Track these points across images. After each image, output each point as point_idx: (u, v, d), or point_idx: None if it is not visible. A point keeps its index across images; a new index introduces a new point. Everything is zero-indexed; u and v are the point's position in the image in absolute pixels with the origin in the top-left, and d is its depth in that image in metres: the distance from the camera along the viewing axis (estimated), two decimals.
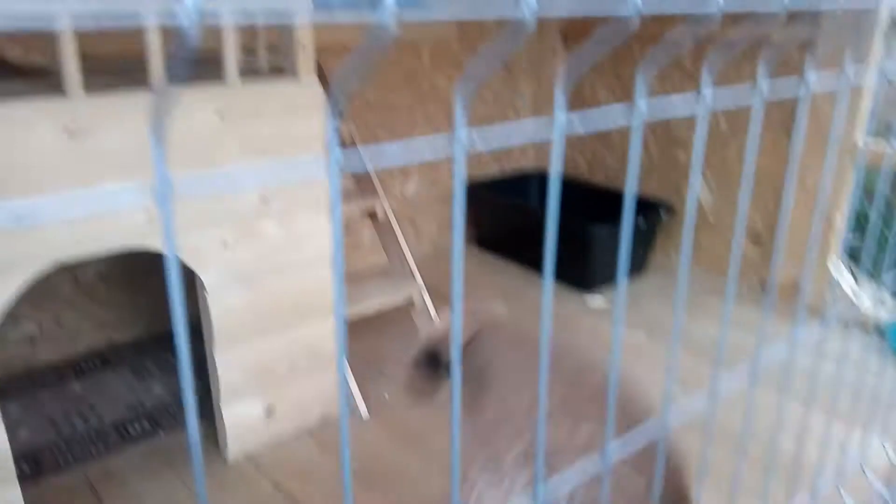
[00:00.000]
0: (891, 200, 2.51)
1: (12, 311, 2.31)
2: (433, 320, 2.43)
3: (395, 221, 2.39)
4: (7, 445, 1.55)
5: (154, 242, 1.64)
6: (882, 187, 1.14)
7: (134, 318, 2.61)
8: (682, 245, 0.67)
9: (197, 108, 1.64)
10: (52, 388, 2.27)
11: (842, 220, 2.69)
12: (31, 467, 1.89)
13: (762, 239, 2.94)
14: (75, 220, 1.51)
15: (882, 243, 2.06)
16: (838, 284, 2.72)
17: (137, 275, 2.60)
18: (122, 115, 1.53)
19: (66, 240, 1.52)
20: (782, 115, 2.74)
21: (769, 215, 2.89)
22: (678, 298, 0.67)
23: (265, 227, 1.80)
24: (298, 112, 1.80)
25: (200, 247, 1.72)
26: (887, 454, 1.71)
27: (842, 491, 1.40)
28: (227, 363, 1.86)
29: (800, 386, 0.96)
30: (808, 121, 2.60)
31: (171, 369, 2.38)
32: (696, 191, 3.15)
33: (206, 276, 1.74)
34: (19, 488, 1.63)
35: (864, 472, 1.43)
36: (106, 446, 1.98)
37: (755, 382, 0.82)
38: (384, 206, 2.34)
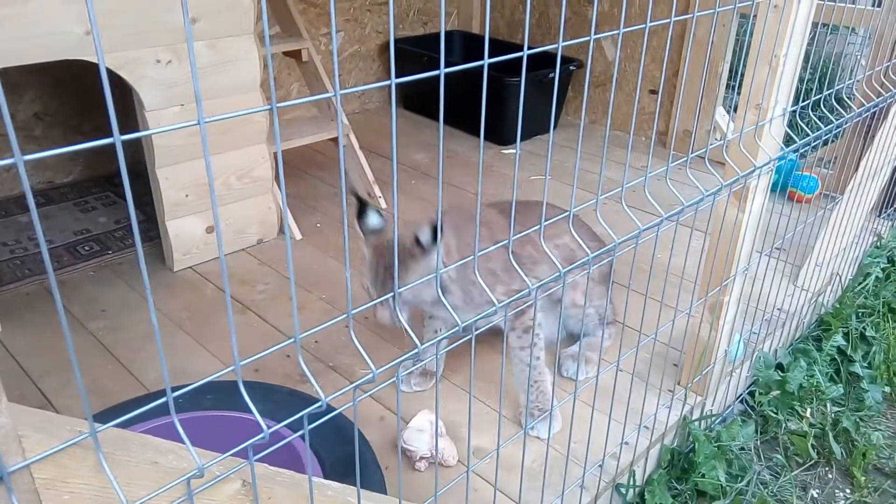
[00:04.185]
0: None
1: None
2: (362, 165, 2.64)
3: (321, 65, 2.55)
4: None
5: (90, 54, 1.78)
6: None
7: (73, 161, 2.73)
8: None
9: None
10: None
11: (727, 72, 3.00)
12: None
13: (659, 91, 3.23)
14: (20, 28, 1.64)
15: None
16: (722, 130, 3.07)
17: (73, 116, 2.70)
18: None
19: (11, 47, 1.66)
20: None
21: (665, 66, 3.17)
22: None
23: (195, 48, 1.96)
24: None
25: (136, 63, 1.87)
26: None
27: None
28: (168, 181, 2.05)
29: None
30: None
31: (114, 204, 2.55)
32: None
33: (144, 94, 1.90)
34: None
35: None
36: (60, 263, 2.17)
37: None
38: (309, 48, 2.49)
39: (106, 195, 2.61)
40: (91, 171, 2.78)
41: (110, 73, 1.85)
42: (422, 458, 1.46)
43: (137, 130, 2.09)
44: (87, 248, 2.26)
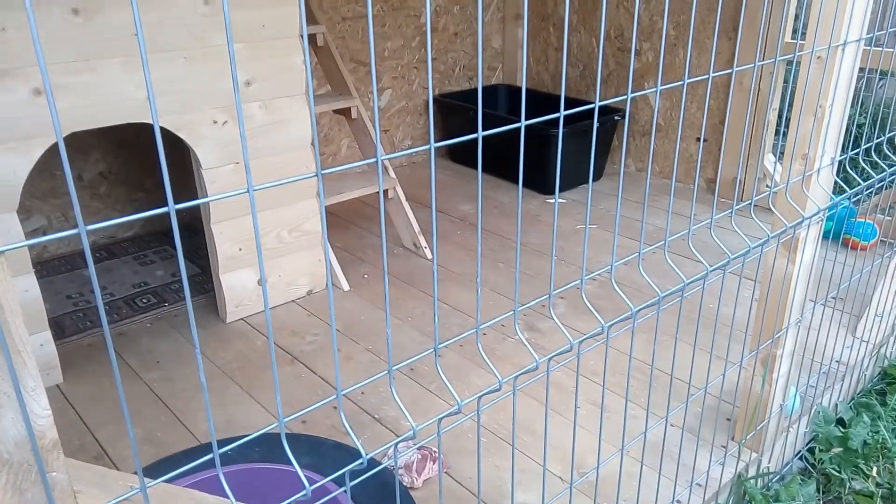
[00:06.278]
0: None
1: (25, 204, 2.55)
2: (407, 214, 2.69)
3: (369, 122, 2.63)
4: (39, 293, 1.83)
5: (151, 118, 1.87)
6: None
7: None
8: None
9: None
10: (64, 274, 2.53)
11: (774, 118, 2.97)
12: (56, 332, 2.16)
13: (701, 138, 3.22)
14: (87, 95, 1.74)
15: None
16: (772, 177, 3.02)
17: (134, 174, 2.84)
18: None
19: (79, 113, 1.77)
20: (722, 19, 2.98)
21: (711, 115, 3.16)
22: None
23: (250, 108, 2.05)
24: (279, 5, 2.03)
25: (194, 124, 1.97)
26: None
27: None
28: (223, 236, 2.13)
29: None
30: (745, 23, 2.84)
31: (171, 257, 2.64)
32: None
33: (200, 152, 1.99)
34: (53, 343, 1.91)
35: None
36: (119, 315, 2.26)
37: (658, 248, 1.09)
38: (358, 106, 2.57)
39: (164, 249, 2.71)
40: (151, 225, 2.89)
41: (170, 133, 1.95)
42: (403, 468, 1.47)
43: (195, 186, 2.16)
44: (144, 300, 2.34)
